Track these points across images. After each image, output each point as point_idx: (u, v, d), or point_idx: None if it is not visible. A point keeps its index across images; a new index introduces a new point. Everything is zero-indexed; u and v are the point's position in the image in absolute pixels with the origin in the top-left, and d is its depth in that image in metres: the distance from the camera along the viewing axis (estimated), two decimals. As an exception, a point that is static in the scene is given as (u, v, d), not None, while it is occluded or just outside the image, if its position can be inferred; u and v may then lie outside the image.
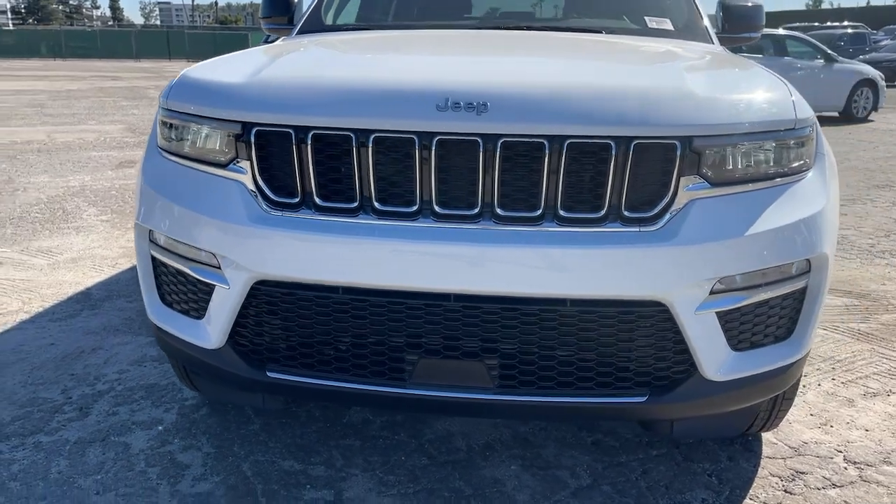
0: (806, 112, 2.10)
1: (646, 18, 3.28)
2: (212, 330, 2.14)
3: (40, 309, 3.99)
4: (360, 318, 2.01)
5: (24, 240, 5.33)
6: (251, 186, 2.04)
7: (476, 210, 1.94)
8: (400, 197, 1.96)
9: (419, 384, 2.04)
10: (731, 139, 1.96)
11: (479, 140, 1.89)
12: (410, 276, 1.94)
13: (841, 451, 2.70)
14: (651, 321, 1.97)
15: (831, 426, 2.87)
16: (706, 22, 3.32)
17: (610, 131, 1.88)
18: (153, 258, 2.30)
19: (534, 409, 2.05)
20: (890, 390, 3.17)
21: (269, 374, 2.11)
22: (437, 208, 1.95)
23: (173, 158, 2.23)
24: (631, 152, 1.89)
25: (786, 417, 2.90)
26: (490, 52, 2.63)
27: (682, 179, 1.93)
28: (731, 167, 1.98)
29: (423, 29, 3.26)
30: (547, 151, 1.88)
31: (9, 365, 3.29)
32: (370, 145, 1.92)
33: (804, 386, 3.18)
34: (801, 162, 2.11)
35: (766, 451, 2.70)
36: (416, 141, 1.90)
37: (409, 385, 2.05)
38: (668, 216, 1.93)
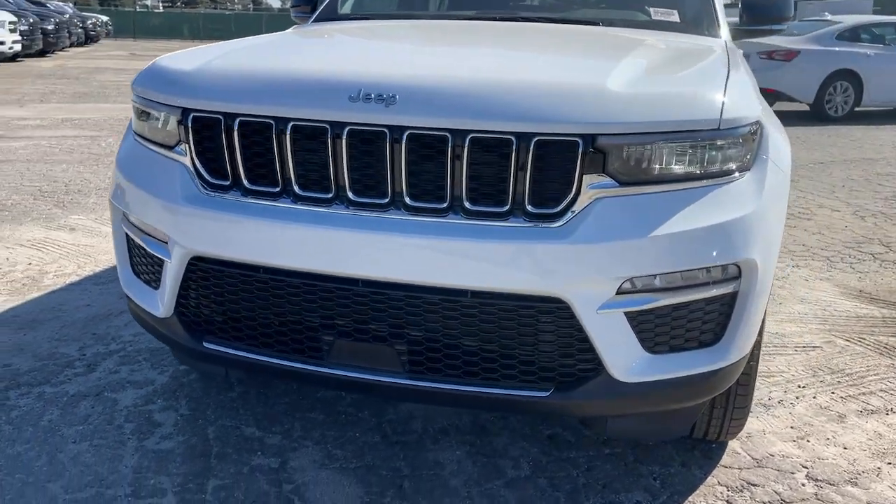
0: (739, 113, 2.02)
1: (651, 10, 3.20)
2: (161, 300, 2.31)
3: (90, 273, 4.35)
4: (280, 297, 2.13)
5: (103, 209, 5.77)
6: (190, 168, 2.19)
7: (386, 199, 2.00)
8: (317, 184, 2.05)
9: (336, 364, 2.14)
10: (641, 138, 1.92)
11: (387, 131, 1.95)
12: (322, 260, 2.03)
13: (806, 468, 2.59)
14: (552, 317, 1.97)
15: (807, 441, 2.75)
16: (720, 14, 3.20)
17: (511, 127, 1.90)
18: (125, 232, 2.49)
19: (442, 396, 2.10)
20: (891, 409, 2.99)
21: (205, 344, 2.27)
22: (350, 196, 2.02)
23: (139, 140, 2.41)
24: (532, 148, 1.89)
25: (764, 428, 2.80)
26: (439, 44, 2.66)
27: (586, 177, 1.92)
28: (642, 167, 1.95)
29: (428, 19, 3.32)
30: (450, 145, 1.92)
31: (45, 322, 3.63)
32: (288, 133, 2.02)
33: (796, 397, 3.05)
34: (732, 164, 2.04)
35: (725, 459, 2.62)
36: (329, 130, 1.98)
37: (327, 364, 2.14)
38: (570, 214, 1.93)
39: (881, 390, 3.14)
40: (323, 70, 2.11)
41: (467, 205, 1.96)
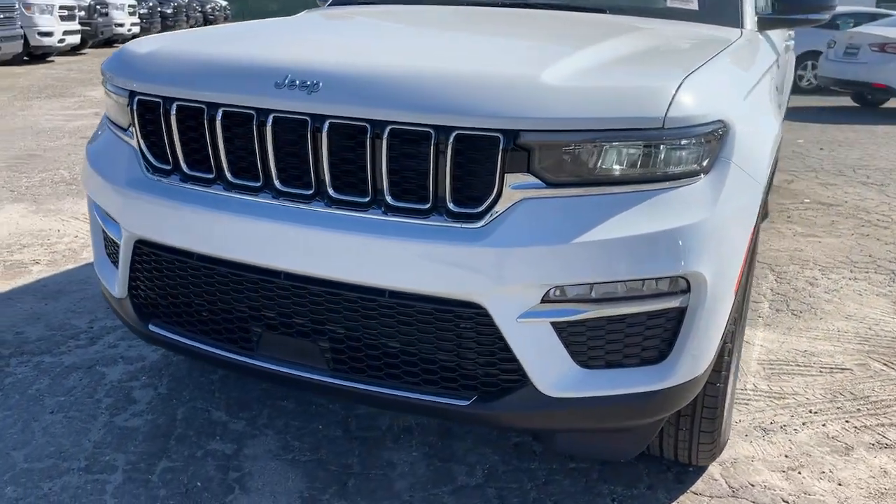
0: (690, 112, 1.83)
1: (668, -2, 2.99)
2: (117, 281, 2.34)
3: (127, 248, 4.50)
4: (212, 285, 2.11)
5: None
6: (137, 152, 2.19)
7: (311, 191, 1.94)
8: (248, 171, 2.01)
9: (265, 356, 2.10)
10: (570, 136, 1.77)
11: (309, 119, 1.88)
12: (247, 250, 1.99)
13: (787, 503, 2.36)
14: (471, 323, 1.86)
15: (799, 472, 2.51)
16: (745, 3, 2.94)
17: (428, 119, 1.79)
18: (95, 214, 2.54)
19: (365, 397, 2.02)
20: (909, 445, 2.70)
21: (150, 327, 2.28)
22: (277, 185, 1.97)
23: (108, 124, 2.44)
24: (451, 143, 1.78)
25: (755, 454, 2.58)
26: (401, 32, 2.55)
27: (509, 176, 1.79)
28: (572, 167, 1.80)
29: (434, 4, 3.22)
30: (369, 136, 1.83)
31: (67, 293, 3.79)
32: (219, 119, 1.99)
33: (802, 423, 2.80)
34: (681, 167, 1.86)
35: (699, 485, 2.43)
36: (256, 117, 1.94)
37: (257, 356, 2.11)
38: (491, 215, 1.81)
39: (904, 423, 2.84)
40: (256, 56, 2.06)
41: (389, 200, 1.87)
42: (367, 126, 1.83)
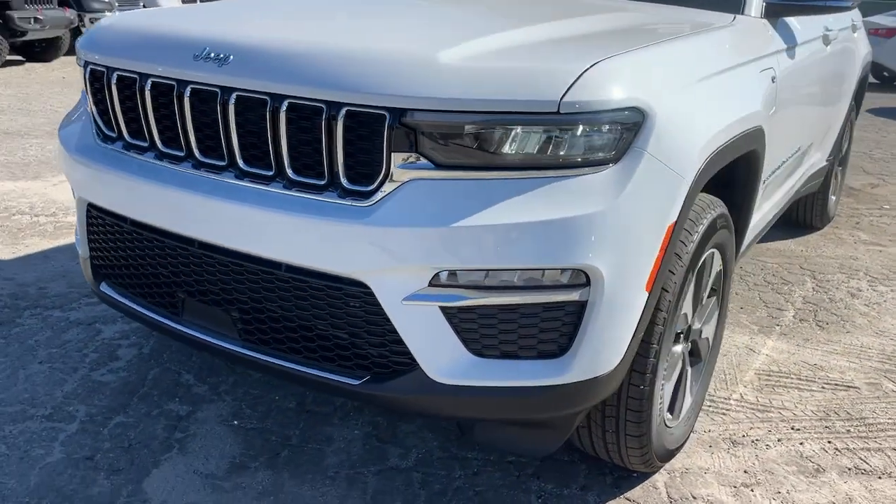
0: (594, 97, 1.74)
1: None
2: (80, 242, 2.47)
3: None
4: (143, 250, 2.19)
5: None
6: (91, 120, 2.30)
7: (225, 162, 1.98)
8: (174, 141, 2.07)
9: (187, 322, 2.16)
10: (459, 117, 1.72)
11: (219, 91, 1.92)
12: (167, 218, 2.06)
13: (724, 519, 2.22)
14: (359, 302, 1.85)
15: (752, 490, 2.35)
16: None
17: (319, 94, 1.78)
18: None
19: (270, 369, 2.05)
20: (890, 472, 2.47)
21: (101, 287, 2.39)
22: (197, 156, 2.02)
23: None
24: (342, 119, 1.77)
25: (711, 466, 2.44)
26: (326, 10, 2.49)
27: (397, 156, 1.76)
28: (462, 149, 1.75)
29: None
30: (269, 109, 1.85)
31: (98, 255, 4.02)
32: (148, 89, 2.06)
33: (778, 440, 2.61)
34: (582, 155, 1.77)
35: (635, 492, 2.32)
36: (176, 88, 1.99)
37: (182, 321, 2.18)
38: (380, 194, 1.78)
39: (894, 449, 2.60)
40: (183, 29, 2.11)
41: (290, 174, 1.88)
42: (268, 99, 1.85)
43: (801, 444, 2.60)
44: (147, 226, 2.12)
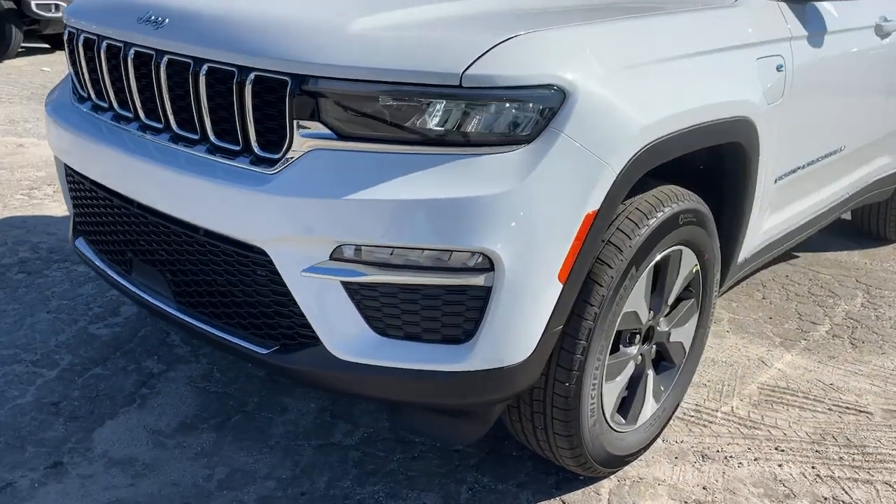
0: (503, 71, 1.64)
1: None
2: (66, 200, 2.59)
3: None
4: (100, 209, 2.27)
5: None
6: (70, 81, 2.40)
7: (162, 125, 2.02)
8: (125, 104, 2.13)
9: (136, 282, 2.22)
10: (360, 86, 1.67)
11: (154, 54, 1.95)
12: (113, 178, 2.12)
13: (660, 534, 2.08)
14: (264, 271, 1.84)
15: (702, 507, 2.19)
16: None
17: (232, 58, 1.78)
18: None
19: (198, 334, 2.07)
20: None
21: (76, 243, 2.50)
22: (142, 118, 2.07)
23: None
24: (250, 84, 1.76)
25: (668, 478, 2.29)
26: None
27: (299, 123, 1.73)
28: (364, 120, 1.70)
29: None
30: (191, 73, 1.87)
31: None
32: (103, 50, 2.12)
33: (755, 458, 2.42)
34: (491, 133, 1.68)
35: (574, 496, 2.21)
36: (122, 50, 2.05)
37: (132, 281, 2.24)
38: (284, 162, 1.76)
39: (885, 483, 2.34)
40: (140, -8, 2.16)
41: (213, 139, 1.89)
42: (191, 63, 1.86)
43: (779, 465, 2.40)
44: (101, 185, 2.19)
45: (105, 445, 2.31)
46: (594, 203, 1.77)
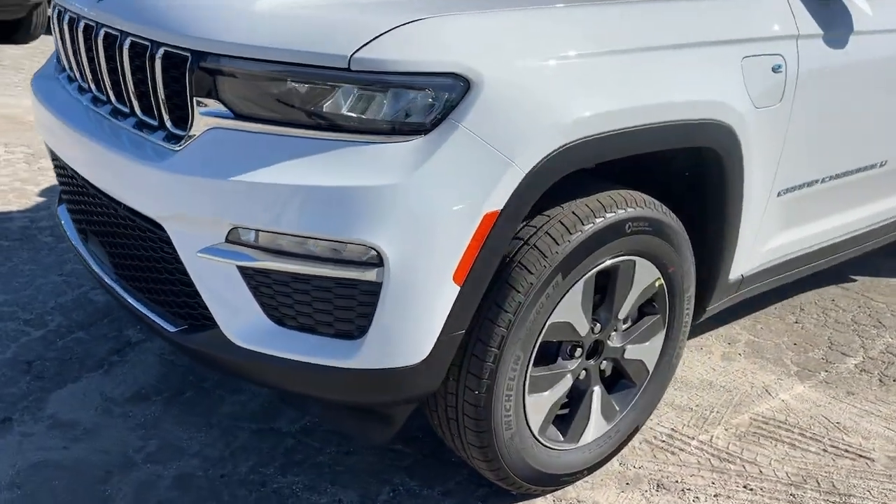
0: (395, 57, 1.55)
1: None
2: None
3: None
4: (65, 177, 2.33)
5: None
6: (56, 55, 2.48)
7: (104, 97, 2.04)
8: (83, 76, 2.17)
9: (91, 252, 2.27)
10: (254, 65, 1.62)
11: (94, 26, 1.98)
12: (63, 149, 2.17)
13: (575, 563, 1.93)
14: (170, 248, 1.82)
15: (634, 541, 2.02)
16: None
17: (144, 32, 1.77)
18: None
19: (124, 306, 2.09)
20: (830, 565, 1.99)
21: (58, 210, 2.59)
22: (93, 90, 2.11)
23: None
24: (160, 59, 1.75)
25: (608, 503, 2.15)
26: None
27: (199, 100, 1.70)
28: (258, 101, 1.65)
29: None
30: (117, 46, 1.87)
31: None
32: (65, 22, 2.17)
33: (714, 495, 2.21)
34: (382, 121, 1.59)
35: (499, 510, 2.09)
36: (75, 22, 2.08)
37: (88, 251, 2.29)
38: (187, 139, 1.74)
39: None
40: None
41: (138, 113, 1.90)
42: (119, 35, 1.87)
43: (740, 486, 2.19)
44: (59, 157, 2.25)
45: (56, 407, 2.39)
46: (496, 203, 1.65)
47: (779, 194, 2.41)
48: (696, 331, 3.14)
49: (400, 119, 1.60)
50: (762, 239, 2.48)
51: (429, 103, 1.60)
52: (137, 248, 1.94)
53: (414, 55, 1.58)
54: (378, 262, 1.63)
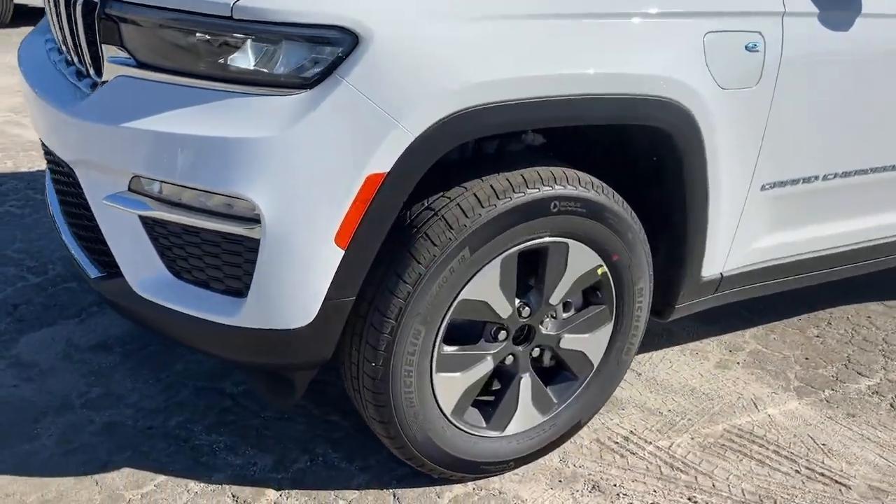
0: (277, 6, 1.51)
1: None
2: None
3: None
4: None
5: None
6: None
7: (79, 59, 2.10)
8: (63, 42, 2.24)
9: (52, 199, 2.35)
10: (145, 12, 1.62)
11: None
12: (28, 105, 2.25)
13: (470, 554, 1.84)
14: (82, 194, 1.85)
15: (542, 539, 1.91)
16: None
17: (75, -17, 1.81)
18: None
19: (70, 257, 2.14)
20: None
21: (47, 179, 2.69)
22: (71, 57, 2.17)
23: None
24: (80, 6, 1.78)
25: (538, 500, 2.04)
26: None
27: (107, 48, 1.71)
28: (155, 49, 1.64)
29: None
30: (72, 3, 1.90)
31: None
32: (50, -11, 2.25)
33: (652, 502, 2.06)
34: (265, 72, 1.56)
35: (410, 492, 2.02)
36: None
37: (53, 199, 2.37)
38: (99, 85, 1.77)
39: None
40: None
41: (91, 71, 1.93)
42: None
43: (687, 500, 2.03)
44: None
45: (23, 348, 2.49)
46: (380, 165, 1.58)
47: (763, 188, 2.21)
48: (696, 335, 2.95)
49: (285, 71, 1.56)
50: (746, 237, 2.28)
51: (313, 57, 1.55)
52: (68, 193, 1.99)
53: (298, 6, 1.53)
54: (256, 217, 1.60)
